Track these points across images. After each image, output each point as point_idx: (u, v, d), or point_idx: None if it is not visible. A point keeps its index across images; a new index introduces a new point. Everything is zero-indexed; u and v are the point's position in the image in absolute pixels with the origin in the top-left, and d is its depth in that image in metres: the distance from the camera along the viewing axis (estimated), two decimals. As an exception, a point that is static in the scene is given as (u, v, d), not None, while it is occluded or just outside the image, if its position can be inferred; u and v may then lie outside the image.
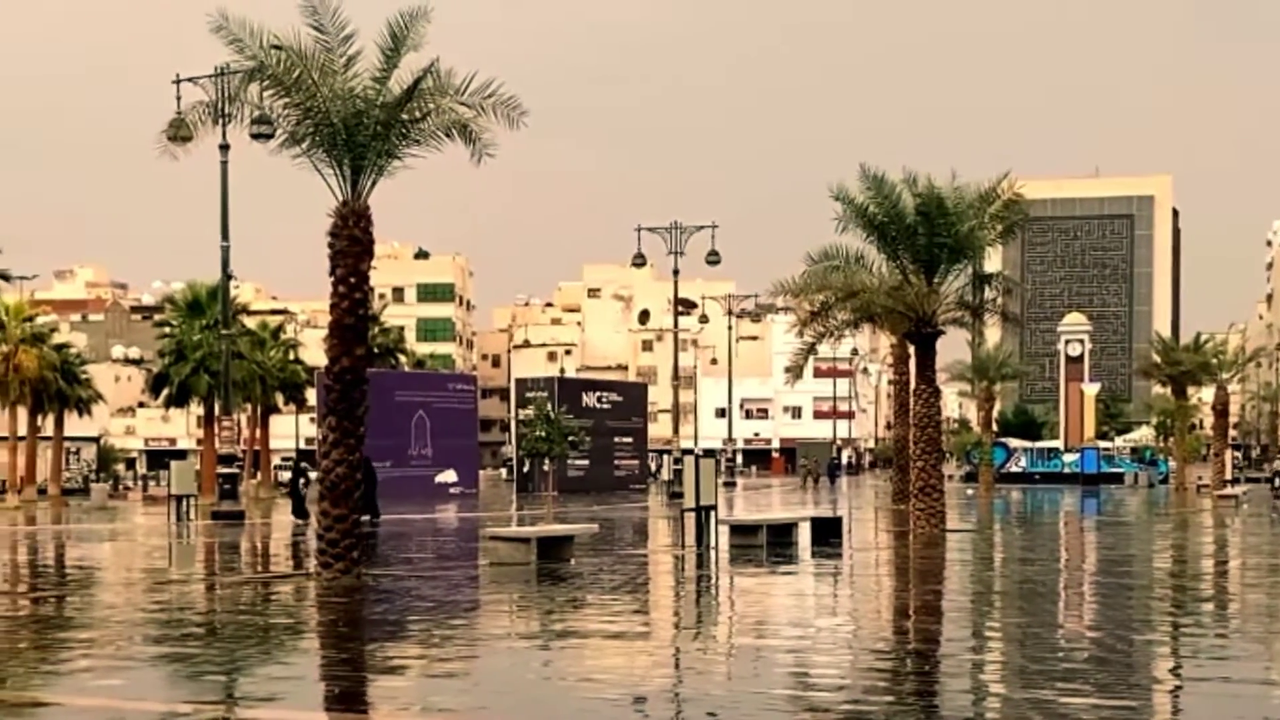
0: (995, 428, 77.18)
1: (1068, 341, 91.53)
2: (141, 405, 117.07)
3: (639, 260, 63.92)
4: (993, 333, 74.98)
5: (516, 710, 10.38)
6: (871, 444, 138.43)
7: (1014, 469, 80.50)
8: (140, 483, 78.18)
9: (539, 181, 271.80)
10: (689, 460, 31.82)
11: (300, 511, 36.01)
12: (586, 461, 63.33)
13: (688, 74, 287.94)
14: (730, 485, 66.82)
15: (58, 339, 64.73)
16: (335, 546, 19.33)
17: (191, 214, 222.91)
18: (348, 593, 18.20)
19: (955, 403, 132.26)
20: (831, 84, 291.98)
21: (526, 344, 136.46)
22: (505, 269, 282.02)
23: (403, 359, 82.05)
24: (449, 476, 58.57)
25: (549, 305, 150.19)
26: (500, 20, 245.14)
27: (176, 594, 19.76)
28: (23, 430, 58.68)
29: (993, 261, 63.93)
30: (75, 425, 66.60)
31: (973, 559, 25.68)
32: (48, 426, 61.42)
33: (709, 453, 52.74)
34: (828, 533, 27.51)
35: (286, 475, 76.04)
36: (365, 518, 34.91)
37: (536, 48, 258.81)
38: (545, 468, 59.90)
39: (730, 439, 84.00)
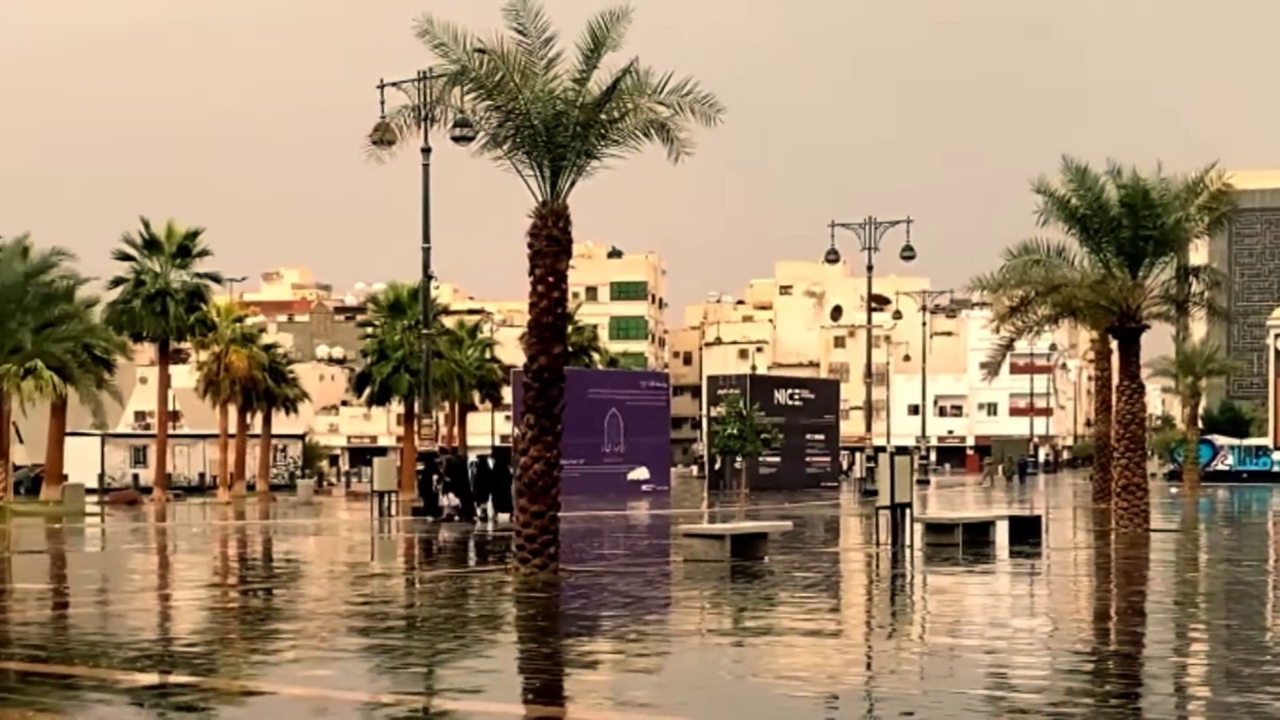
0: (1200, 425, 74.92)
1: (1277, 336, 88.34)
2: (344, 403, 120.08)
3: (832, 256, 63.55)
4: (1198, 327, 72.87)
5: (712, 706, 10.41)
6: (1070, 441, 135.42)
7: (1220, 467, 78.05)
8: (343, 479, 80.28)
9: (731, 179, 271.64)
10: (883, 457, 31.54)
11: (431, 508, 36.44)
12: (778, 459, 63.21)
13: (880, 66, 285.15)
14: (924, 483, 66.01)
15: (266, 339, 66.82)
16: (533, 542, 19.60)
17: (393, 216, 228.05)
18: (545, 588, 18.44)
19: (1158, 399, 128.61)
20: (1030, 72, 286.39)
21: (718, 341, 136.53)
22: (697, 267, 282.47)
23: (596, 357, 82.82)
24: (641, 474, 58.94)
25: (741, 302, 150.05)
26: (692, 18, 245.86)
27: (379, 587, 20.25)
28: (233, 428, 60.68)
29: (1199, 254, 62.10)
30: (282, 423, 68.70)
31: (1177, 559, 24.99)
32: (256, 424, 63.41)
33: (901, 450, 52.18)
34: (1026, 532, 27.00)
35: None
36: (504, 515, 35.60)
37: (726, 45, 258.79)
38: (737, 465, 60.00)
39: (923, 436, 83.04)
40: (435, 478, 37.52)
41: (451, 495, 36.31)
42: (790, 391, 68.84)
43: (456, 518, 35.45)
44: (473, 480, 36.59)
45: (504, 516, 34.83)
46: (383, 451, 80.00)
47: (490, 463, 37.42)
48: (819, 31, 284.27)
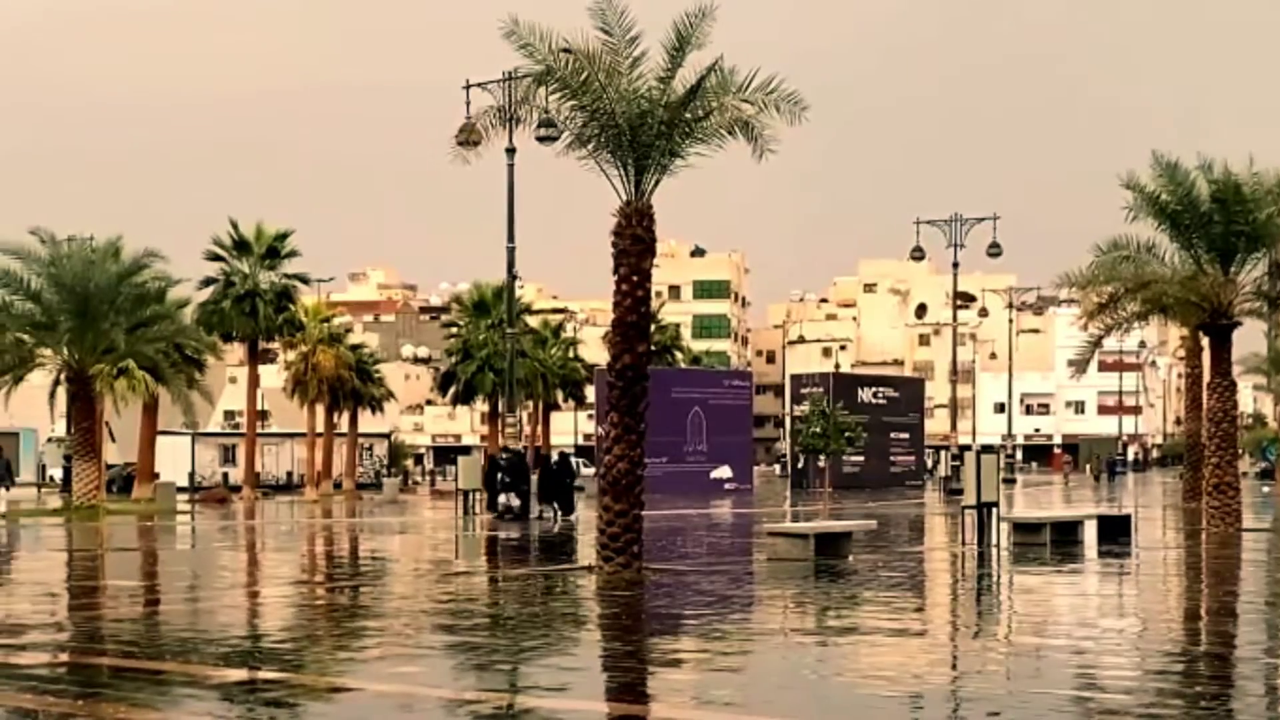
0: (1294, 423, 73.63)
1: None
2: (429, 403, 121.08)
3: (917, 254, 63.18)
4: (1292, 324, 71.47)
5: (797, 706, 10.37)
6: (1159, 440, 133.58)
7: (1314, 466, 76.62)
8: (428, 478, 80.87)
9: (815, 176, 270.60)
10: (969, 456, 31.27)
11: (496, 506, 36.40)
12: (862, 457, 62.91)
13: (965, 61, 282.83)
14: (1010, 482, 65.39)
15: (352, 339, 67.40)
16: (616, 540, 19.63)
17: (477, 216, 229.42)
18: (628, 586, 18.47)
19: (1250, 397, 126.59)
20: (1116, 66, 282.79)
21: (801, 340, 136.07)
22: (781, 265, 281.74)
23: (679, 356, 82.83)
24: (724, 472, 58.90)
25: (824, 301, 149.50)
26: (773, 15, 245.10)
27: (464, 585, 20.38)
28: (320, 427, 61.30)
29: (1292, 249, 60.75)
30: (368, 422, 69.30)
31: (1269, 559, 24.57)
32: (343, 423, 64.03)
33: (987, 448, 51.75)
34: (1115, 531, 26.66)
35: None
36: (566, 513, 35.55)
37: (811, 43, 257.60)
38: (820, 463, 59.79)
39: (1009, 434, 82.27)
40: (498, 476, 37.55)
41: (511, 495, 36.17)
42: (874, 390, 68.48)
43: (514, 517, 35.28)
44: (537, 480, 36.53)
45: (561, 515, 35.00)
46: (467, 450, 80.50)
47: (554, 463, 37.41)
48: (904, 27, 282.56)
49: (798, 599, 17.63)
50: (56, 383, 45.45)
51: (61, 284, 42.22)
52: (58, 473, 62.63)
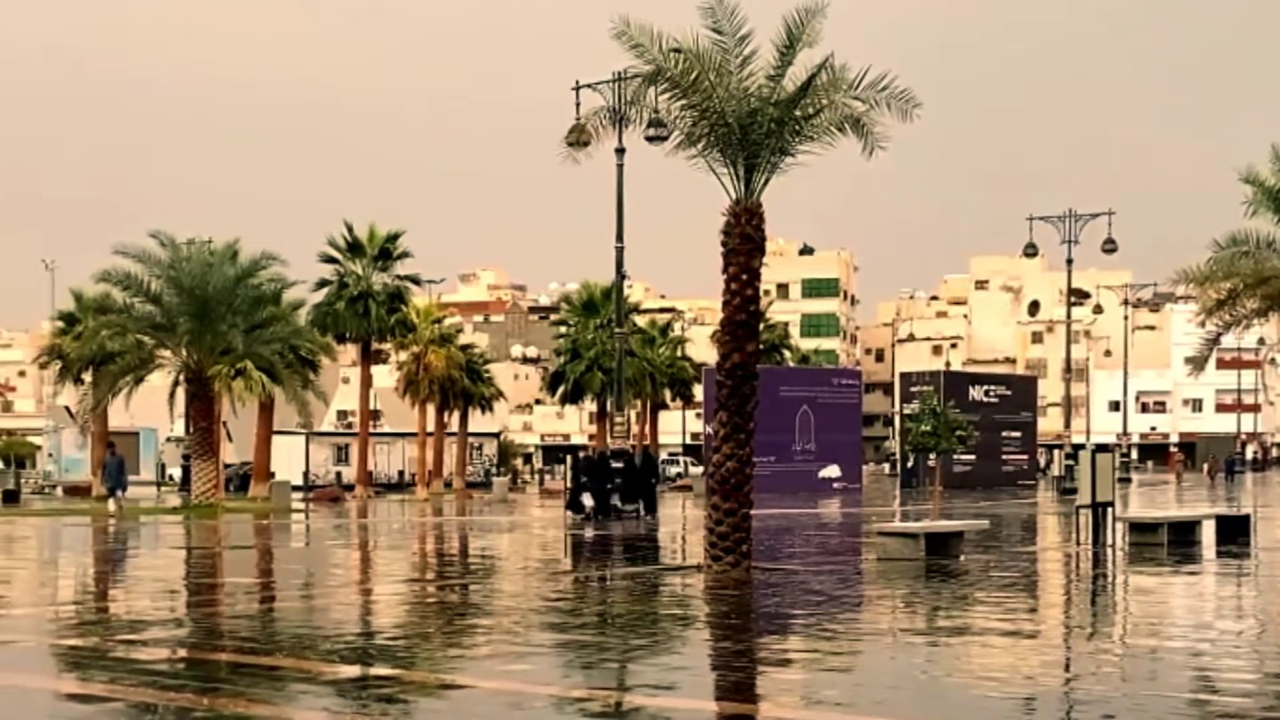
0: None
1: None
2: (538, 402, 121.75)
3: (1030, 250, 62.44)
4: None
5: (907, 706, 10.31)
6: (1279, 439, 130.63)
7: None
8: (537, 476, 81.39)
9: (926, 172, 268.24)
10: (1083, 455, 30.84)
11: (577, 505, 36.08)
12: (973, 456, 62.29)
13: (1075, 56, 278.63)
14: (1125, 481, 64.37)
15: (462, 339, 68.07)
16: (725, 540, 19.62)
17: (586, 216, 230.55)
18: (737, 585, 18.45)
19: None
20: (1236, 58, 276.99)
21: (911, 338, 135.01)
22: (890, 263, 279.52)
23: (787, 355, 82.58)
24: (832, 471, 58.62)
25: (934, 298, 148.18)
26: (885, 12, 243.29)
27: (572, 584, 20.49)
28: (431, 426, 61.92)
29: None
30: (478, 422, 69.91)
31: (1397, 562, 23.93)
32: (453, 423, 64.63)
33: (1102, 447, 50.96)
34: (1234, 532, 26.14)
35: (674, 470, 77.87)
36: (648, 514, 35.35)
37: (921, 37, 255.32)
38: (930, 462, 59.24)
39: (1125, 433, 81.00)
40: (578, 476, 37.38)
41: (587, 495, 35.90)
42: (986, 388, 67.76)
43: (586, 517, 35.02)
44: (620, 479, 36.35)
45: (644, 513, 34.86)
46: (575, 449, 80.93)
47: (637, 461, 37.24)
48: (1017, 22, 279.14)
49: (908, 599, 17.50)
50: (176, 383, 46.38)
51: (181, 286, 43.08)
52: (177, 472, 63.92)
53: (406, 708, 10.32)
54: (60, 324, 58.44)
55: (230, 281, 43.81)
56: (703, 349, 74.65)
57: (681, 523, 37.03)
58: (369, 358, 57.43)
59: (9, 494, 50.62)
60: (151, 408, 53.11)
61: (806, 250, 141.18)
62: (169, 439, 73.17)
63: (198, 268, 43.55)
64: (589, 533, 31.34)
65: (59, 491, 59.12)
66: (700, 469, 66.10)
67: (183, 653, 13.24)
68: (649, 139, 24.15)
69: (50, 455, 71.75)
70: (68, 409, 66.89)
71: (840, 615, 15.87)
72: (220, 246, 45.47)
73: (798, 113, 19.71)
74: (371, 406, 61.55)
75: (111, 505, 35.26)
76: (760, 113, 19.55)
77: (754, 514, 20.31)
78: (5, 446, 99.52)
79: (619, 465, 36.85)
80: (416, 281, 57.49)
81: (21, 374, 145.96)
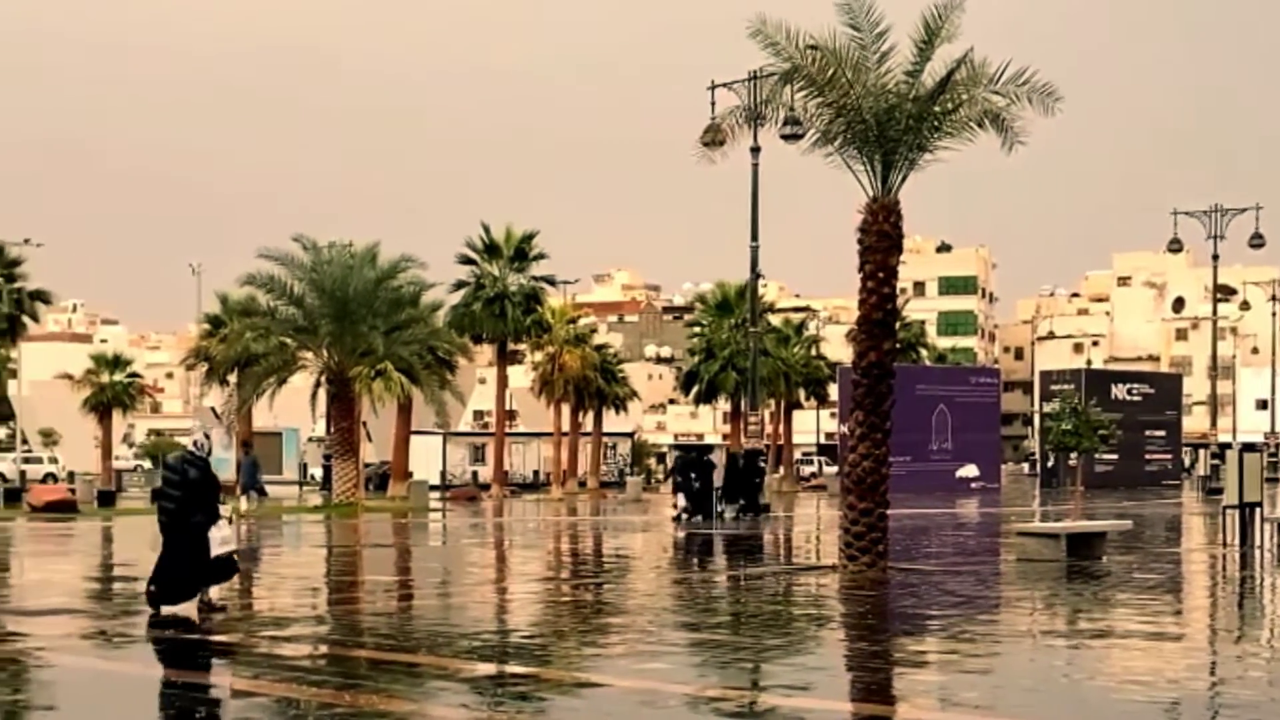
0: None
1: None
2: (672, 401, 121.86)
3: (1175, 245, 61.09)
4: None
5: (1048, 709, 10.14)
6: None
7: None
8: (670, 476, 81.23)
9: (1066, 167, 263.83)
10: (1230, 454, 30.09)
11: (698, 507, 35.30)
12: (1115, 456, 61.20)
13: (1219, 45, 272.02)
14: (1273, 481, 62.67)
15: (597, 340, 68.28)
16: (861, 539, 19.50)
17: (720, 216, 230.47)
18: (873, 585, 18.31)
19: None
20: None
21: (1051, 335, 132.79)
22: (1029, 259, 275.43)
23: (923, 353, 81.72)
24: (970, 471, 57.91)
25: (1075, 295, 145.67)
26: (1021, 7, 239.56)
27: (706, 583, 20.48)
28: (565, 426, 62.27)
29: None
30: (612, 422, 70.14)
31: None
32: (587, 423, 64.92)
33: (1249, 447, 49.70)
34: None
35: (808, 470, 77.46)
36: (750, 513, 34.89)
37: (1063, 32, 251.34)
38: (1071, 462, 58.30)
39: (1273, 432, 78.88)
40: (692, 474, 36.39)
41: (681, 495, 35.38)
42: (1128, 386, 66.49)
43: (681, 518, 34.49)
44: (722, 479, 35.92)
45: (748, 513, 34.46)
46: (709, 448, 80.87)
47: (741, 460, 36.85)
48: (1162, 16, 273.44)
49: (1048, 600, 17.23)
50: (317, 384, 47.12)
51: (323, 289, 43.79)
52: (318, 471, 65.00)
53: (542, 705, 10.39)
54: (206, 327, 59.80)
55: (370, 284, 44.42)
56: (837, 348, 74.12)
57: (788, 524, 36.85)
58: (505, 358, 57.91)
59: (157, 493, 51.83)
60: (294, 408, 53.97)
61: (944, 247, 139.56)
62: (310, 439, 74.40)
63: (339, 270, 44.21)
64: (680, 533, 31.22)
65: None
66: (834, 468, 65.69)
67: (324, 649, 13.47)
68: (784, 137, 24.02)
69: (197, 455, 73.28)
70: (213, 410, 68.31)
71: (979, 616, 15.67)
72: (360, 249, 46.11)
73: (936, 108, 19.55)
74: (507, 407, 62.06)
75: (244, 504, 35.96)
76: (898, 109, 19.42)
77: (890, 514, 20.15)
78: (153, 446, 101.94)
79: (712, 464, 36.52)
80: (552, 282, 57.90)
81: (169, 375, 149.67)
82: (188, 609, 14.77)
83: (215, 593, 15.19)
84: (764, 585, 19.54)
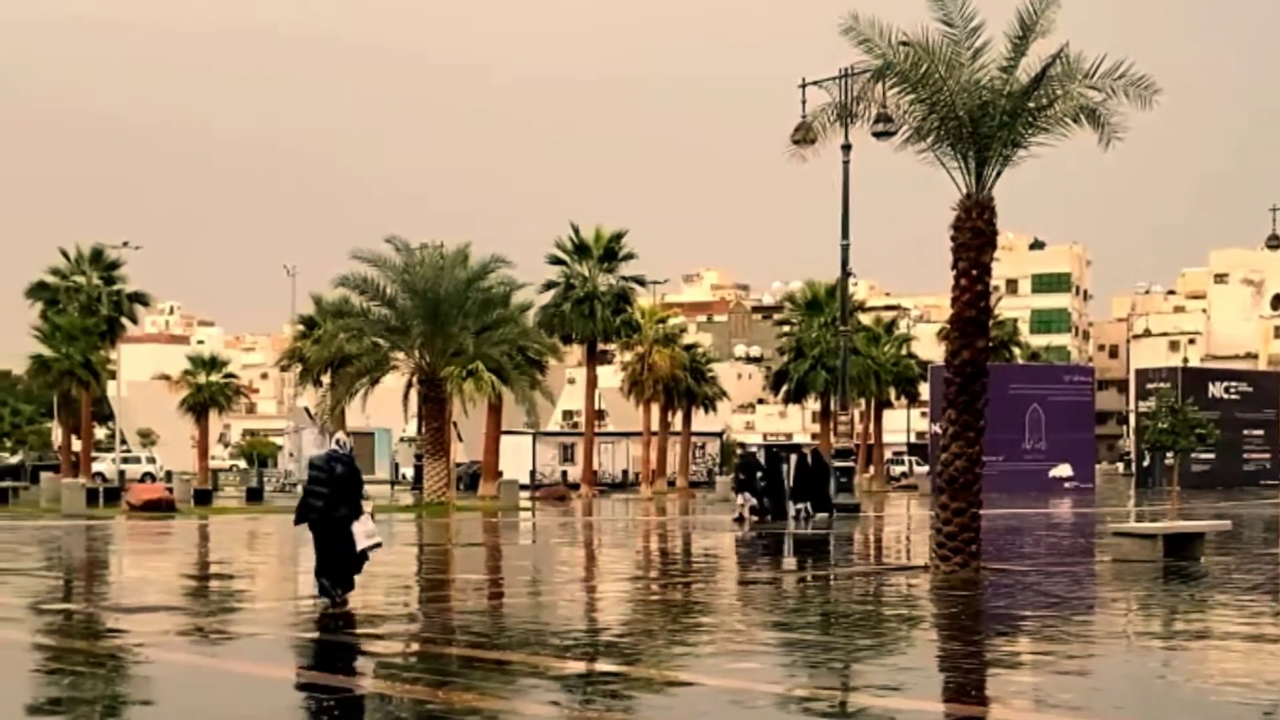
0: None
1: None
2: (761, 401, 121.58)
3: (1273, 242, 59.96)
4: None
5: (1144, 711, 10.00)
6: None
7: None
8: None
9: (1163, 163, 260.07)
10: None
11: (779, 510, 34.75)
12: (1212, 455, 60.28)
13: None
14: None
15: (686, 339, 68.25)
16: (954, 539, 19.35)
17: (809, 214, 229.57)
18: (966, 586, 18.15)
19: None
20: None
21: (1146, 333, 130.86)
22: (1124, 256, 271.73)
23: (1016, 352, 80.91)
24: (1063, 470, 57.28)
25: (1171, 293, 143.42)
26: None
27: (796, 583, 20.40)
28: (654, 426, 62.31)
29: None
30: (701, 421, 70.12)
31: None
32: (676, 422, 64.92)
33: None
34: None
35: (899, 470, 76.92)
36: (820, 514, 34.50)
37: (1155, 28, 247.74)
38: (1168, 461, 57.47)
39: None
40: (758, 474, 35.82)
41: (747, 494, 34.84)
42: (1226, 384, 65.41)
43: (738, 519, 34.10)
44: (791, 478, 35.55)
45: (816, 514, 34.16)
46: (798, 448, 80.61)
47: (808, 460, 36.49)
48: (1255, 6, 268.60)
49: (1144, 602, 16.99)
50: (409, 385, 47.53)
51: (415, 290, 44.14)
52: (409, 471, 65.53)
53: (631, 703, 10.40)
54: (301, 328, 60.54)
55: (461, 284, 44.71)
56: (928, 346, 73.56)
57: (878, 524, 36.58)
58: (594, 358, 58.06)
59: (252, 492, 52.62)
60: (386, 408, 54.50)
61: (1037, 245, 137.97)
62: (402, 439, 75.07)
63: (430, 271, 44.55)
64: (741, 533, 31.03)
65: (299, 490, 61.16)
66: (925, 468, 65.19)
67: (416, 646, 13.58)
68: (876, 135, 23.89)
69: (291, 455, 74.28)
70: (307, 410, 69.16)
71: (1073, 617, 15.48)
72: (452, 250, 46.42)
73: (1031, 104, 19.40)
74: (596, 406, 62.21)
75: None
76: (992, 105, 19.30)
77: (983, 514, 19.97)
78: (249, 446, 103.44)
79: (780, 463, 36.21)
80: (641, 282, 57.98)
81: (264, 376, 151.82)
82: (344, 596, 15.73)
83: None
84: (854, 585, 19.42)
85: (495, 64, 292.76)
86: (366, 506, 16.29)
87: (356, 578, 16.11)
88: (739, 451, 39.25)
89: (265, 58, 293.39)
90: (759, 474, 35.29)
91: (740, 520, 34.03)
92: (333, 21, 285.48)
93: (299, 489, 58.15)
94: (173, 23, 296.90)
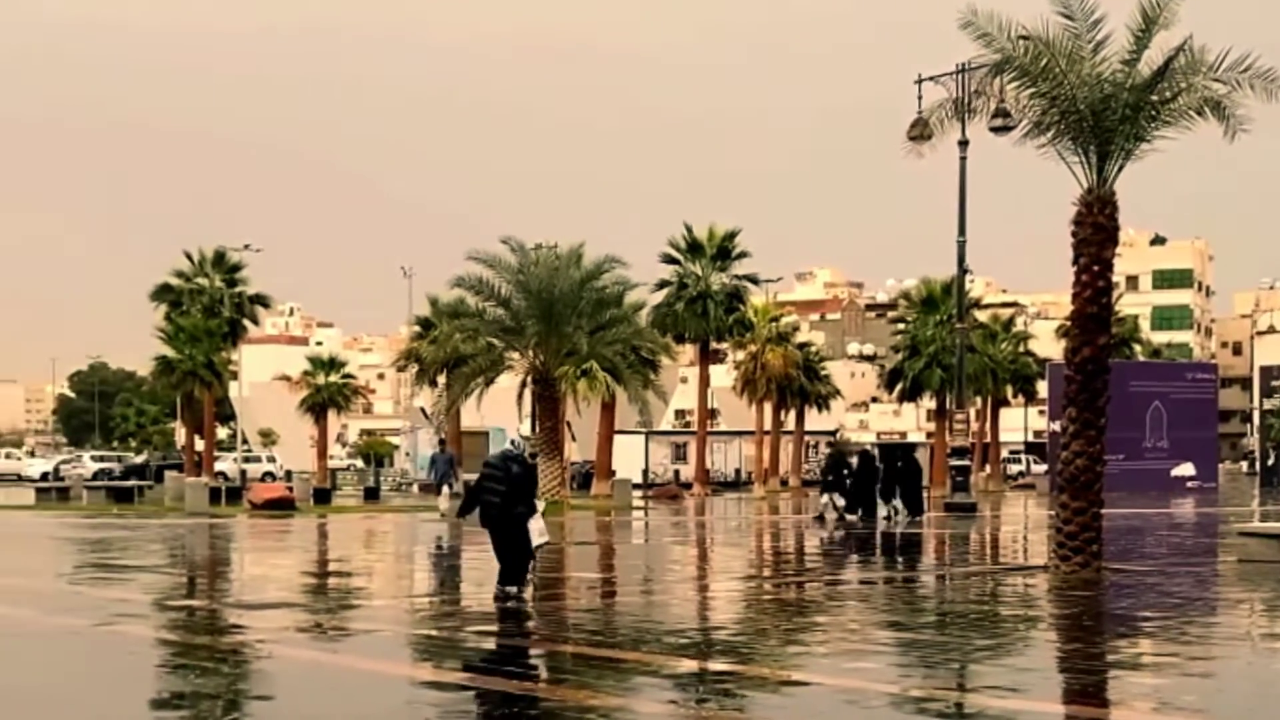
0: None
1: None
2: (874, 400, 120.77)
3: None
4: None
5: (1271, 714, 9.77)
6: None
7: None
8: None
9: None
10: None
11: (869, 511, 34.33)
12: (1341, 453, 58.80)
13: None
14: None
15: (799, 338, 67.98)
16: (1074, 539, 19.11)
17: (924, 211, 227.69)
18: (1087, 586, 17.88)
19: None
20: None
21: (1271, 329, 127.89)
22: (1247, 252, 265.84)
23: (1137, 349, 79.59)
24: (1186, 469, 56.21)
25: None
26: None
27: (913, 583, 20.20)
28: (767, 425, 62.14)
29: None
30: (814, 420, 69.81)
31: None
32: (789, 421, 64.67)
33: None
34: None
35: (1015, 468, 75.94)
36: (910, 515, 33.92)
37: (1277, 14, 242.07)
38: (1294, 460, 56.14)
39: None
40: (845, 472, 35.50)
41: (836, 495, 34.59)
42: (1355, 382, 63.81)
43: (819, 518, 33.81)
44: (881, 478, 35.07)
45: (908, 515, 33.70)
46: (912, 447, 79.98)
47: (897, 459, 35.95)
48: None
49: (1270, 603, 16.62)
50: (523, 384, 47.79)
51: (529, 290, 44.39)
52: (524, 470, 65.89)
53: (745, 702, 10.35)
54: (417, 329, 61.13)
55: (575, 284, 44.86)
56: (1046, 344, 72.57)
57: (994, 523, 36.07)
58: (707, 357, 57.99)
59: (369, 491, 53.29)
60: (500, 408, 54.88)
61: (1158, 240, 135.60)
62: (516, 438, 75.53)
63: (545, 272, 44.75)
64: (826, 533, 30.76)
65: (415, 489, 61.81)
66: (1043, 467, 64.27)
67: (531, 644, 13.64)
68: (994, 130, 23.62)
69: (407, 454, 75.11)
70: (423, 410, 69.90)
71: (1197, 618, 15.19)
72: (566, 250, 46.60)
73: (1154, 97, 19.12)
74: (709, 405, 62.14)
75: (442, 503, 36.59)
76: (1114, 99, 19.05)
77: (1103, 513, 19.68)
78: (366, 446, 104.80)
79: (871, 460, 35.75)
80: (754, 281, 57.79)
81: (381, 377, 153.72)
82: (525, 591, 16.32)
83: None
84: (971, 585, 19.20)
85: (606, 68, 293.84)
86: (539, 505, 16.79)
87: (469, 576, 16.29)
88: (825, 450, 38.88)
89: (386, 64, 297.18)
90: (845, 472, 35.03)
91: (821, 519, 33.76)
92: (460, 27, 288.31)
93: (415, 488, 58.93)
94: (289, 31, 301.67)
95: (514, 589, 16.12)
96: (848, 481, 34.92)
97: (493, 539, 16.45)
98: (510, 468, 16.36)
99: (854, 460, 35.96)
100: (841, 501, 34.56)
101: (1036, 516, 37.82)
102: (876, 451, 38.26)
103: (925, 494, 39.94)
